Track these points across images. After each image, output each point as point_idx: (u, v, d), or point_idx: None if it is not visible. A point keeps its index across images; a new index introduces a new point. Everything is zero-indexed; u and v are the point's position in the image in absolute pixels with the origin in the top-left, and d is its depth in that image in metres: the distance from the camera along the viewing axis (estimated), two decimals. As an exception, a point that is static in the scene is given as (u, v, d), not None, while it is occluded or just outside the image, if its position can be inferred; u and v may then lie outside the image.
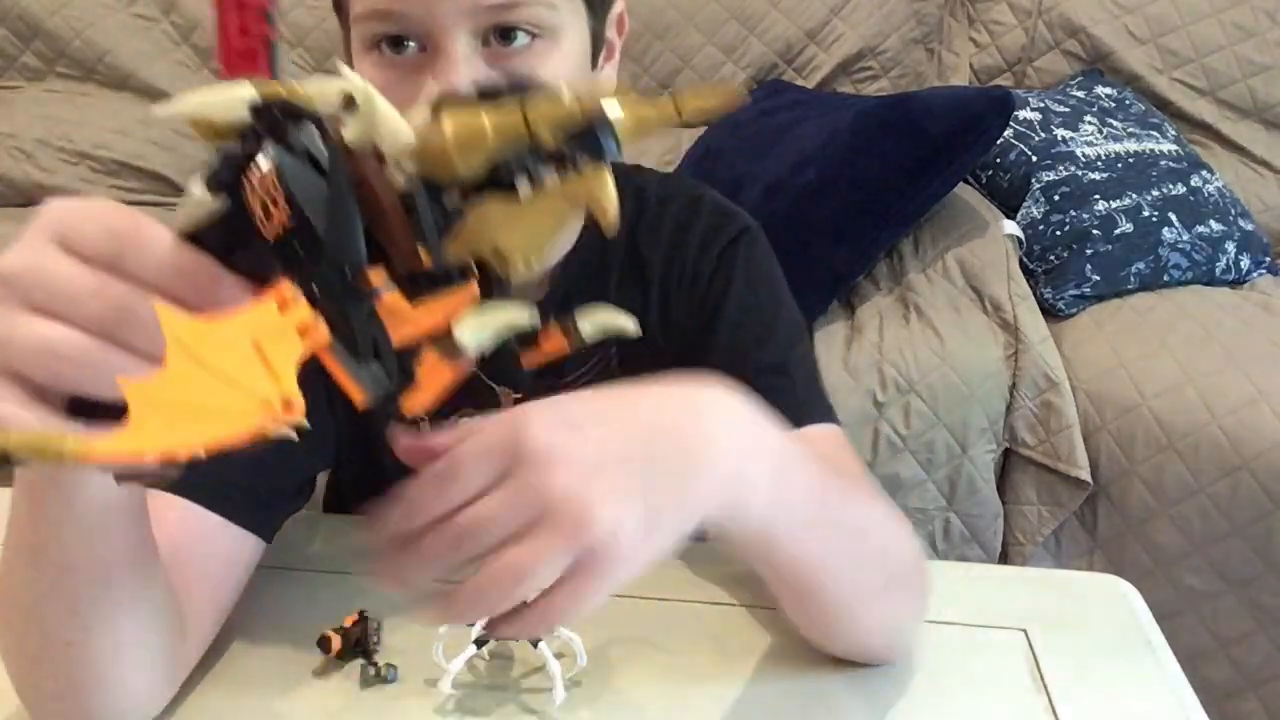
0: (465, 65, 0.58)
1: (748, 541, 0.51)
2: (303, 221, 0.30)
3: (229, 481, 0.64)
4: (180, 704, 0.61)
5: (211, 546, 0.63)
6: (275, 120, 0.31)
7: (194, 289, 0.33)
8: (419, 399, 0.32)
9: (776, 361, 0.72)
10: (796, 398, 0.69)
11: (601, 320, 0.36)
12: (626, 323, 0.37)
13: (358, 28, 0.61)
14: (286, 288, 0.30)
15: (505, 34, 0.59)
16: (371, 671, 0.62)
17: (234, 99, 0.31)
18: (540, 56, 0.60)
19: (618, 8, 0.69)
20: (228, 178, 0.31)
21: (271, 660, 0.64)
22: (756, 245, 0.77)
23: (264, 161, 0.30)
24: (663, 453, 0.42)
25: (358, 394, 0.31)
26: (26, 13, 2.02)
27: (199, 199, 0.32)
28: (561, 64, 0.61)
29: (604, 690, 0.62)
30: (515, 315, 0.33)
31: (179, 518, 0.61)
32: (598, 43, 0.66)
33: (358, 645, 0.64)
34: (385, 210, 0.31)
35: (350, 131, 0.31)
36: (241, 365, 0.28)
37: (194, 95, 0.31)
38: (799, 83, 2.07)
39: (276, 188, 0.30)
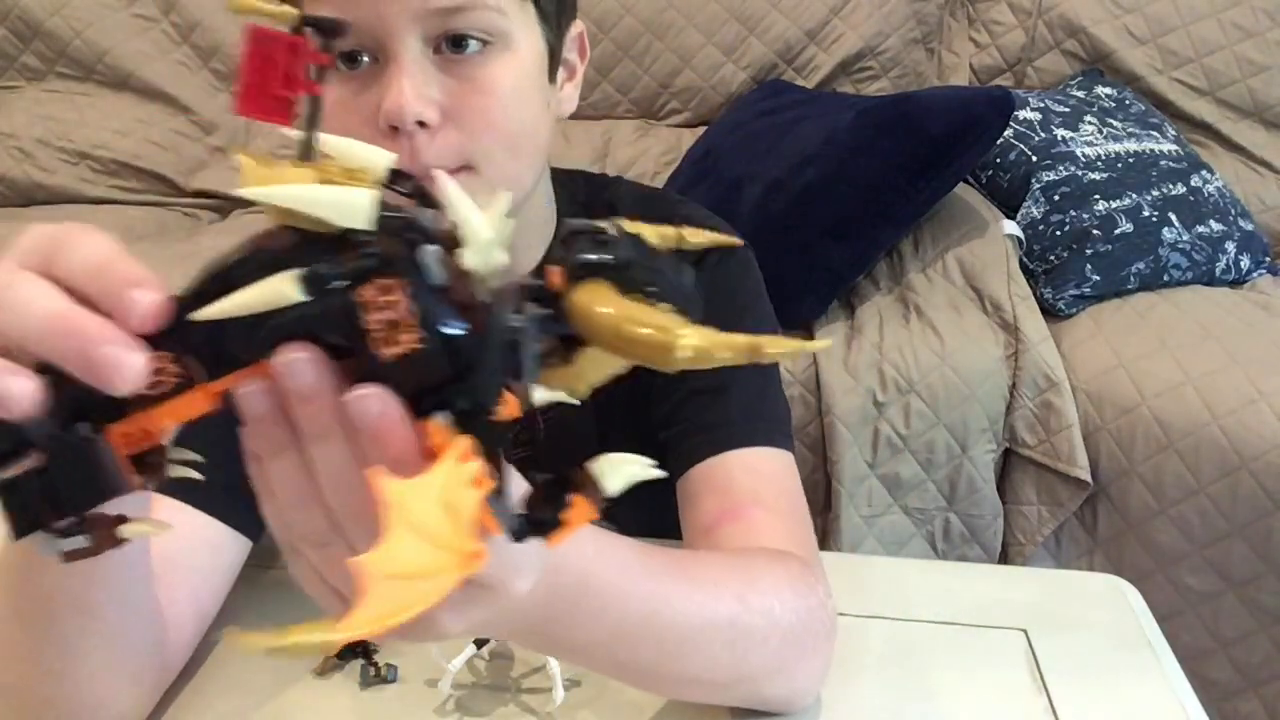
0: (415, 68, 0.58)
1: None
2: (439, 352, 0.30)
3: (213, 481, 0.63)
4: (180, 705, 0.61)
5: (198, 546, 0.63)
6: (400, 238, 0.30)
7: (101, 288, 0.31)
8: (559, 538, 0.33)
9: (715, 383, 0.70)
10: (730, 421, 0.68)
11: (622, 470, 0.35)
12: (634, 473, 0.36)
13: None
14: (465, 443, 0.30)
15: (456, 41, 0.59)
16: (371, 671, 0.62)
17: (356, 206, 0.30)
18: (493, 63, 0.60)
19: (576, 28, 0.69)
20: (333, 284, 0.30)
21: (271, 660, 0.64)
22: (724, 263, 0.75)
23: (397, 282, 0.30)
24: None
25: (498, 532, 0.31)
26: (26, 13, 2.02)
27: (281, 293, 0.30)
28: (515, 70, 0.61)
29: (604, 690, 0.62)
30: (643, 470, 0.34)
31: (165, 518, 0.61)
32: (555, 57, 0.66)
33: (358, 645, 0.64)
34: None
35: (470, 259, 0.31)
36: (441, 525, 0.29)
37: (301, 188, 0.30)
38: (799, 83, 2.07)
39: (413, 313, 0.30)
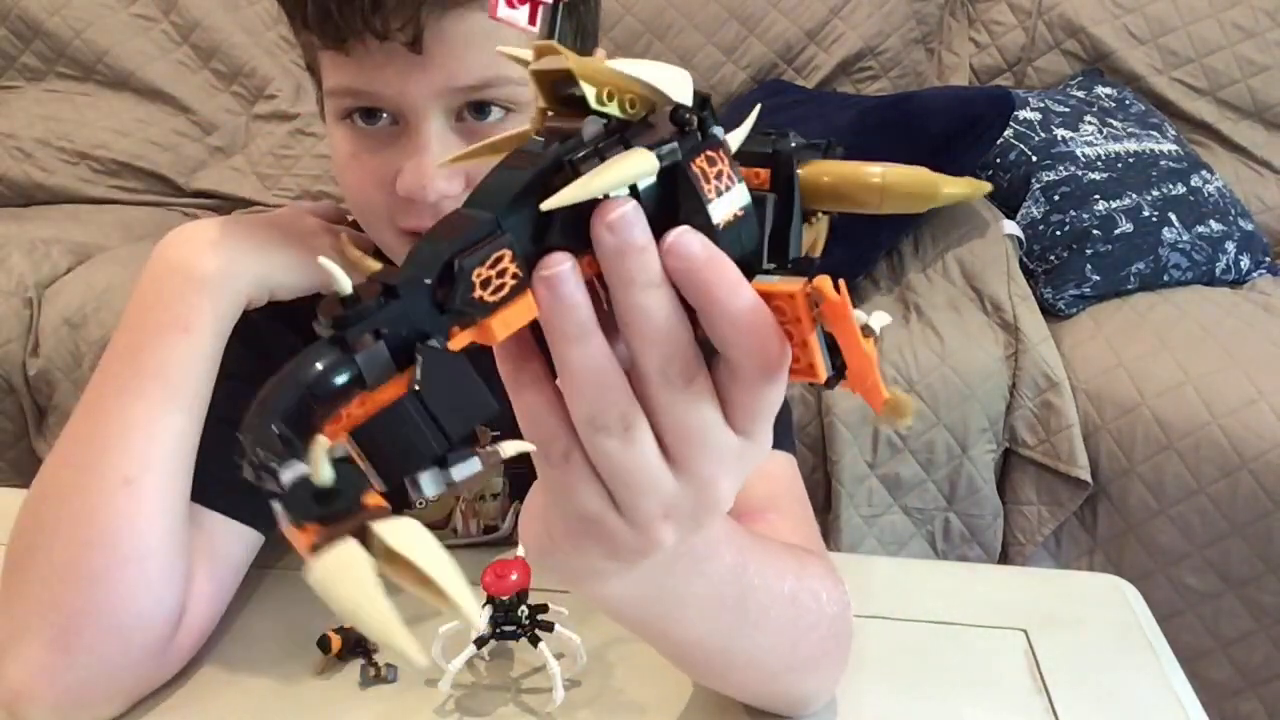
0: (438, 143, 0.58)
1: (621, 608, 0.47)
2: (755, 215, 0.32)
3: (222, 479, 0.64)
4: (181, 705, 0.61)
5: (211, 542, 0.64)
6: (708, 114, 0.32)
7: None
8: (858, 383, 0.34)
9: None
10: None
11: None
12: None
13: (330, 101, 0.61)
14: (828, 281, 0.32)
15: (479, 108, 0.59)
16: (371, 672, 0.63)
17: (683, 83, 0.32)
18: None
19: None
20: (677, 158, 0.31)
21: (271, 660, 0.64)
22: None
23: (719, 154, 0.32)
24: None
25: (824, 372, 0.33)
26: (26, 13, 2.02)
27: (644, 165, 0.30)
28: None
29: (604, 690, 0.62)
30: (887, 317, 0.36)
31: None
32: None
33: (358, 645, 0.64)
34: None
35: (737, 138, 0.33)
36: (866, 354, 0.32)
37: (647, 64, 0.31)
38: (799, 83, 2.07)
39: (736, 181, 0.32)
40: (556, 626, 0.61)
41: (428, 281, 0.28)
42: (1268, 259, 1.78)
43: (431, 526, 0.83)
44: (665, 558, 0.39)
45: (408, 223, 0.61)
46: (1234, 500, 1.39)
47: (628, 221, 0.30)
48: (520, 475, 0.76)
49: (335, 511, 0.26)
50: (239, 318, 0.62)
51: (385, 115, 0.59)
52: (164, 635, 0.60)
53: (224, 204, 2.01)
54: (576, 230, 0.30)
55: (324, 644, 0.63)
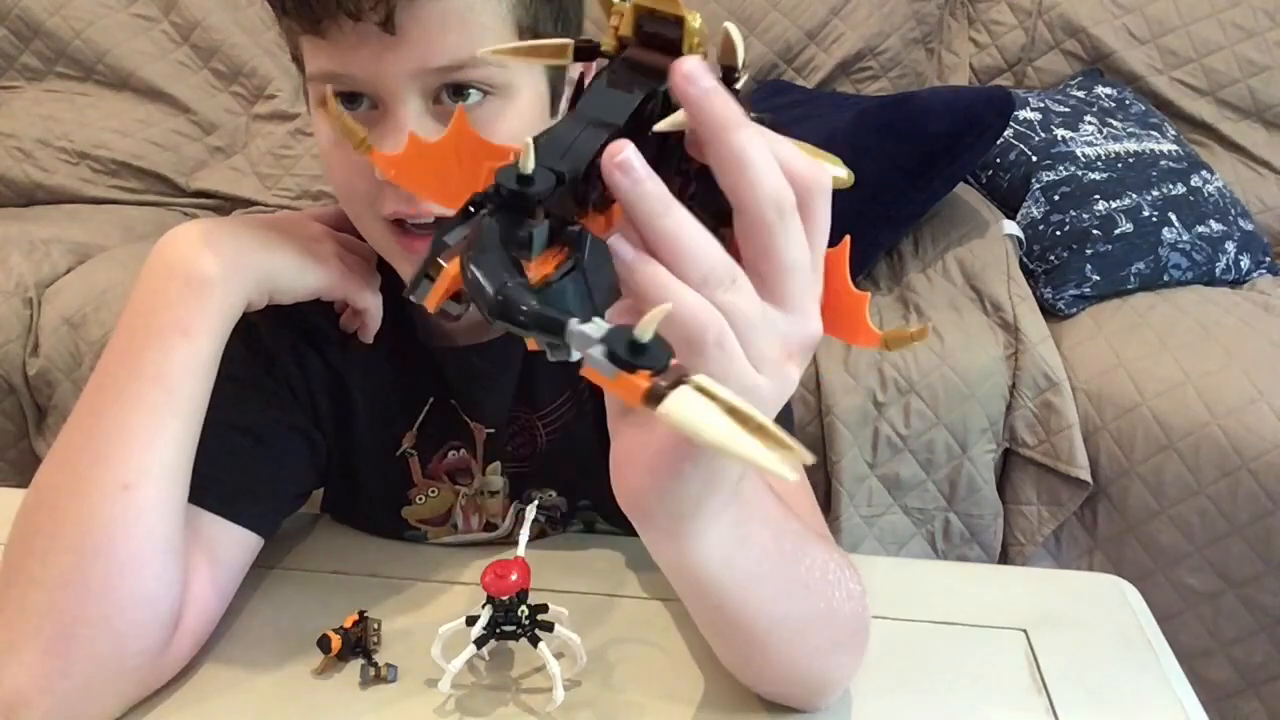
0: (415, 126, 0.57)
1: (695, 576, 0.48)
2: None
3: (222, 482, 0.64)
4: (181, 705, 0.61)
5: (211, 546, 0.64)
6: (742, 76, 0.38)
7: None
8: None
9: None
10: None
11: None
12: None
13: (311, 86, 0.61)
14: None
15: (458, 89, 0.58)
16: (371, 671, 0.63)
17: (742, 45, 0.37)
18: (492, 113, 0.59)
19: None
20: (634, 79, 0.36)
21: (271, 660, 0.64)
22: None
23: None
24: None
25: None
26: (26, 13, 2.02)
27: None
28: (515, 120, 0.60)
29: (604, 690, 0.62)
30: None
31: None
32: (557, 89, 0.65)
33: (358, 645, 0.64)
34: None
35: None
36: None
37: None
38: (799, 83, 2.07)
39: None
40: (556, 626, 0.61)
41: (577, 175, 0.33)
42: (1268, 259, 1.78)
43: (432, 523, 0.83)
44: (732, 503, 0.43)
45: (388, 209, 0.60)
46: (1234, 500, 1.39)
47: (696, 71, 0.34)
48: (520, 475, 0.77)
49: (662, 363, 0.29)
50: (238, 319, 0.62)
51: (365, 100, 0.59)
52: (161, 640, 0.60)
53: (224, 204, 2.01)
54: (658, 151, 0.35)
55: (324, 644, 0.63)
